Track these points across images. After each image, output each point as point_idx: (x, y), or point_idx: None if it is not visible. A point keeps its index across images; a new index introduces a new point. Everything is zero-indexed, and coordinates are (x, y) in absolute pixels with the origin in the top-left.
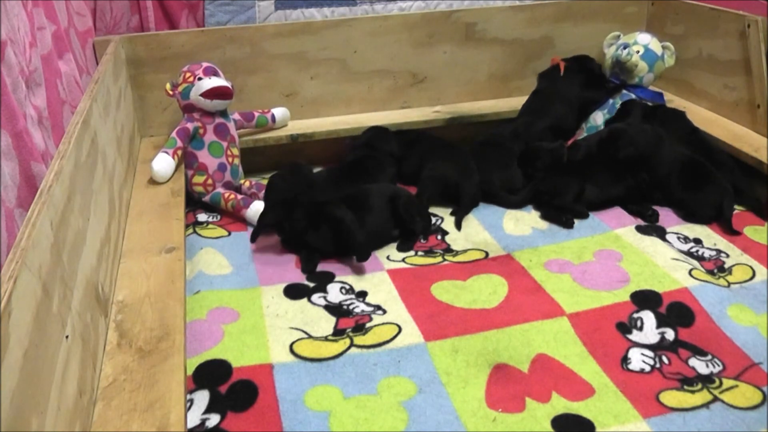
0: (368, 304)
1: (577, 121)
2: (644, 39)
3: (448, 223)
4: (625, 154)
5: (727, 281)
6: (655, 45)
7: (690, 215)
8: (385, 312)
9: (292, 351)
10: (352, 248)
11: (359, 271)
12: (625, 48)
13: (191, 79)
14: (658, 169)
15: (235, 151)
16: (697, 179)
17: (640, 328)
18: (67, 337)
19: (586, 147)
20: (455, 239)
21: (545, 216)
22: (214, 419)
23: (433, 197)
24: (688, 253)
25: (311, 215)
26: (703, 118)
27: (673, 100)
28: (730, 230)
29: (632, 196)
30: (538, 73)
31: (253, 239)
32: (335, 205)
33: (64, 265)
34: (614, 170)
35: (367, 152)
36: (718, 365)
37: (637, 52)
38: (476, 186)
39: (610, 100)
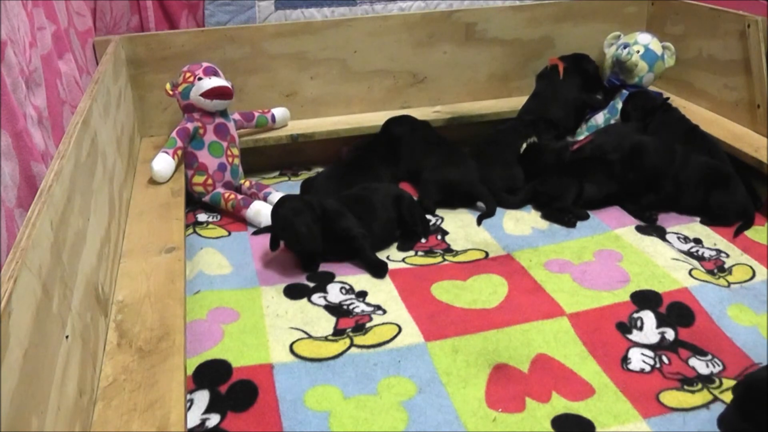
0: (368, 304)
1: (576, 120)
2: (645, 39)
3: (448, 223)
4: (652, 164)
5: (727, 281)
6: (656, 45)
7: (713, 219)
8: (385, 312)
9: (292, 351)
10: (367, 267)
11: (359, 271)
12: (625, 48)
13: (191, 79)
14: (687, 178)
15: (235, 151)
16: (721, 183)
17: (640, 328)
18: (67, 337)
19: (590, 149)
20: (455, 239)
21: (546, 216)
22: (214, 419)
23: (437, 201)
24: (688, 253)
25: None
26: (703, 118)
27: (674, 100)
28: (738, 233)
29: (628, 191)
30: (536, 74)
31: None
32: (347, 219)
33: (64, 265)
34: (608, 167)
35: (366, 152)
36: (718, 365)
37: (638, 51)
38: (479, 182)
39: (611, 101)
